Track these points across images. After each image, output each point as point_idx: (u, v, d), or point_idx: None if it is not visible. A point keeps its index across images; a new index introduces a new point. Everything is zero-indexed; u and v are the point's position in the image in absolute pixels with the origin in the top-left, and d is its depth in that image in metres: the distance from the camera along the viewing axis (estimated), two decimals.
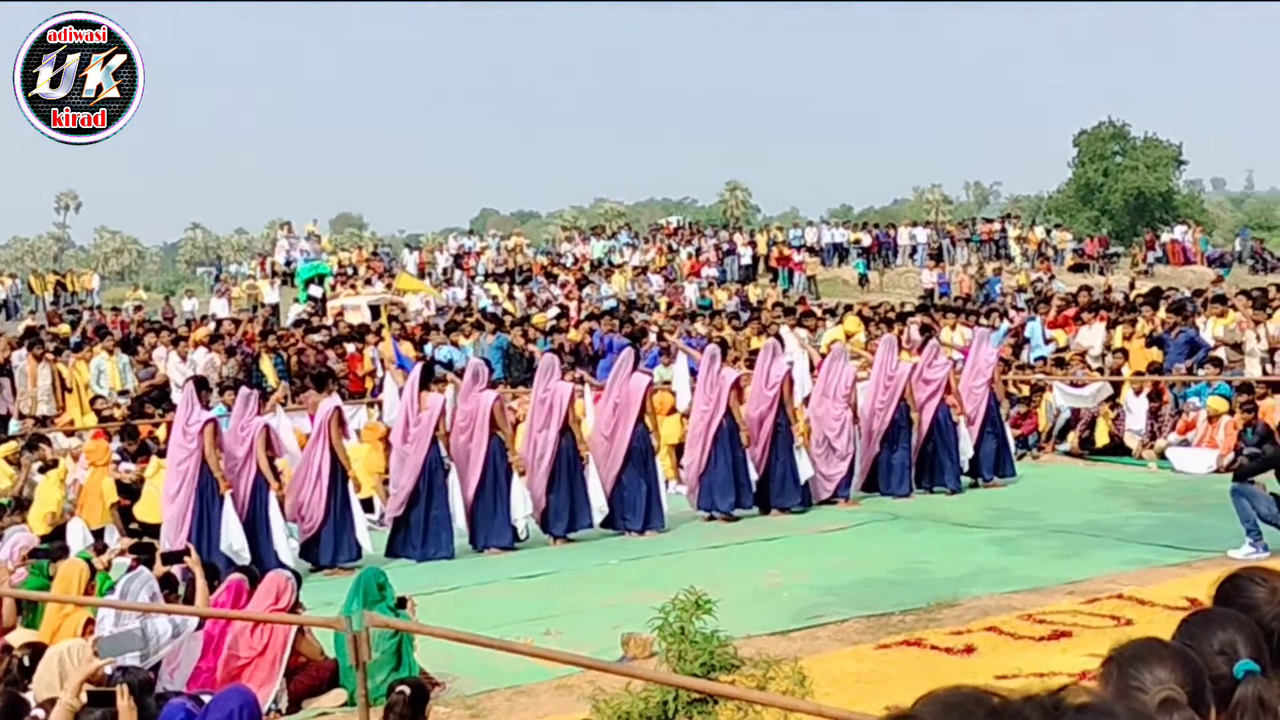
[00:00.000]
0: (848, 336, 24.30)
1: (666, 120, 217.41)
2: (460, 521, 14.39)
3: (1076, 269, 46.33)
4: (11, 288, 44.58)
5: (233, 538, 13.23)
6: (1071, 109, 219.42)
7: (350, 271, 42.80)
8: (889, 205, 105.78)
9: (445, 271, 45.13)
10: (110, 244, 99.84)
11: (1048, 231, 51.10)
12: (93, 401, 21.74)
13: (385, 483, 15.90)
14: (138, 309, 36.82)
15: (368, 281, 39.55)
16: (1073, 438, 19.55)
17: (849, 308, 28.34)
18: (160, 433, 17.86)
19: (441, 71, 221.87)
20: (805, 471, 15.90)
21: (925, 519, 15.32)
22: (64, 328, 30.19)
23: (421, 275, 43.44)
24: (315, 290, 37.03)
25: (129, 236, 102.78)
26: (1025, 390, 20.70)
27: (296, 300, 37.34)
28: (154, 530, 14.24)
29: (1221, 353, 20.22)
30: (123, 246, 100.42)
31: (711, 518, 15.67)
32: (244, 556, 12.87)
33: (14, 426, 20.47)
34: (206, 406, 14.08)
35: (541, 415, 14.94)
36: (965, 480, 17.09)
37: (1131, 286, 31.12)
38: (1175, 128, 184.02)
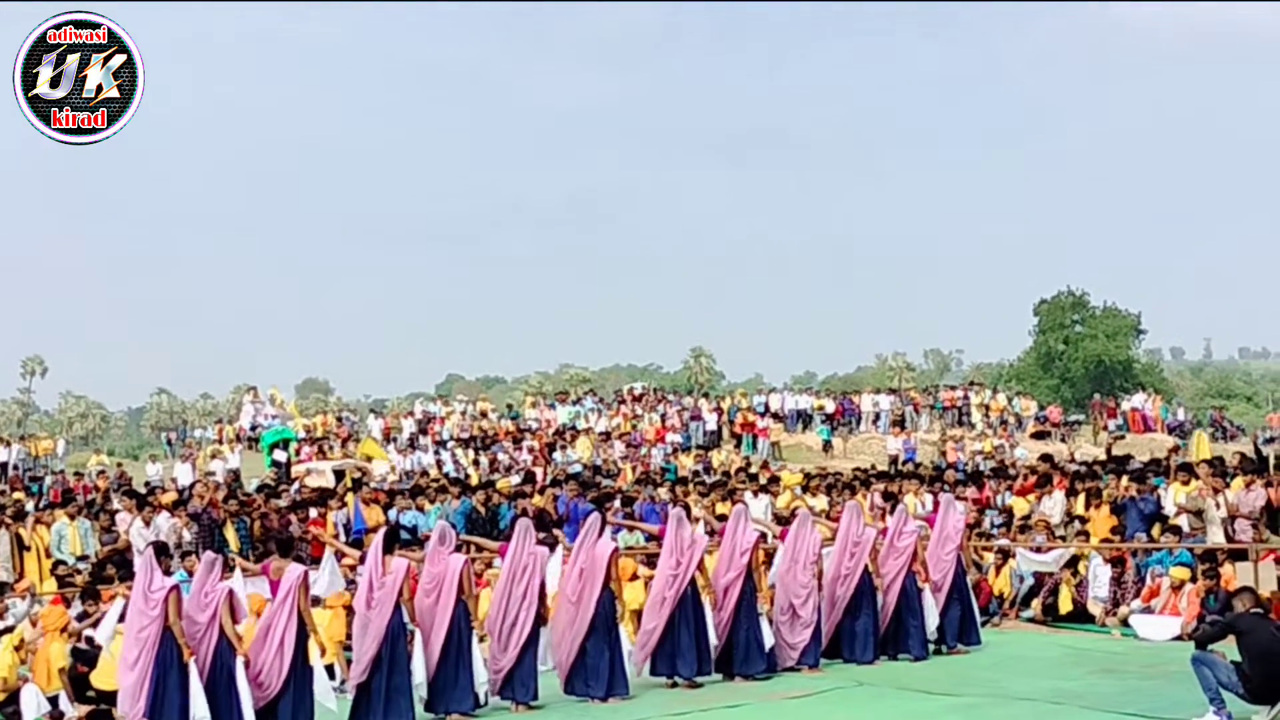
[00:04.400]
0: (791, 492, 24.53)
1: (632, 288, 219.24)
2: (423, 688, 14.24)
3: (1038, 436, 46.66)
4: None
5: (198, 707, 13.09)
6: (1031, 278, 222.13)
7: (316, 437, 42.75)
8: (852, 372, 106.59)
9: (411, 437, 45.13)
10: (75, 409, 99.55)
11: (1009, 399, 51.54)
12: (54, 567, 21.57)
13: (346, 649, 15.77)
14: (100, 474, 36.67)
15: (332, 448, 39.52)
16: (1036, 604, 19.57)
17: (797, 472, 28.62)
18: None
19: (407, 237, 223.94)
20: (769, 638, 15.86)
21: (889, 686, 15.24)
22: (19, 495, 29.98)
23: (387, 440, 43.44)
24: (280, 455, 37.00)
25: (94, 401, 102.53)
26: (988, 558, 20.76)
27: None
28: (111, 698, 14.06)
29: (1183, 520, 20.33)
30: (87, 411, 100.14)
31: (674, 684, 15.57)
32: None
33: None
34: (167, 572, 14.00)
35: (522, 581, 14.88)
36: (930, 647, 17.07)
37: (1108, 452, 31.30)
38: (1134, 297, 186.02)
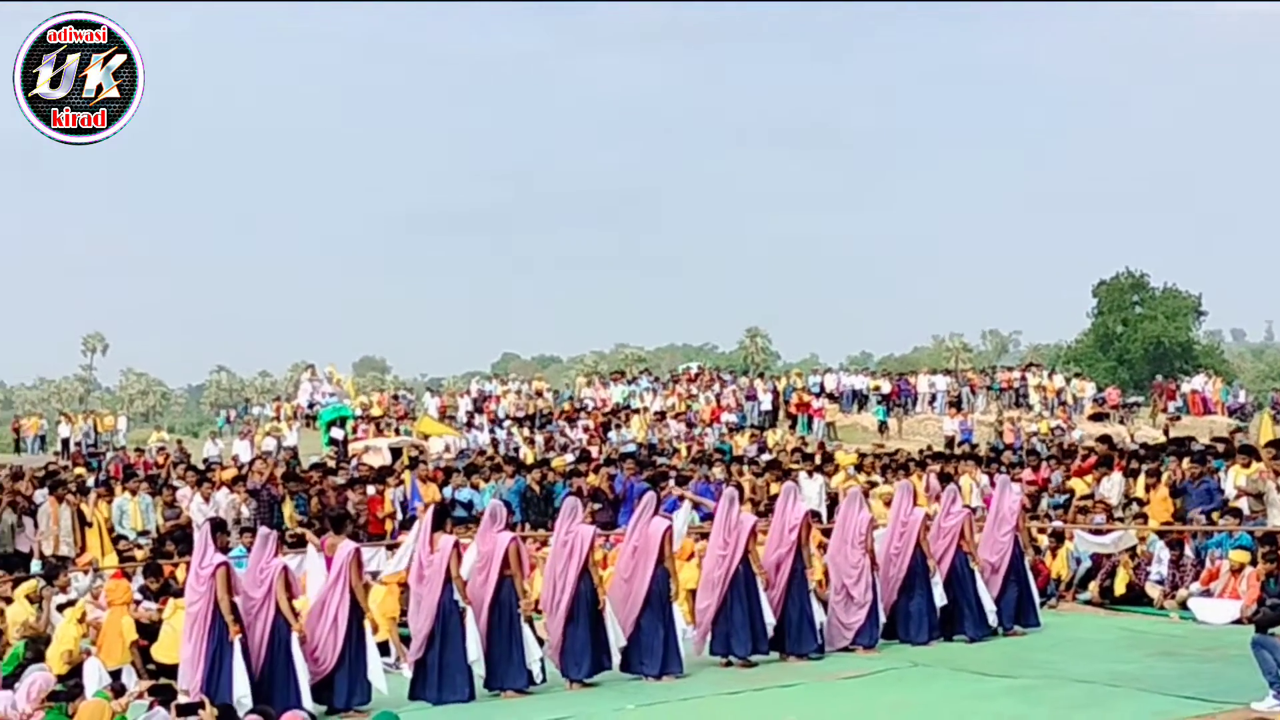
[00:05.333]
0: (844, 470, 24.44)
1: (687, 267, 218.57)
2: (479, 665, 14.30)
3: (1096, 418, 46.34)
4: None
5: (238, 686, 13.19)
6: (1090, 259, 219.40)
7: (373, 415, 43.02)
8: (908, 353, 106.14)
9: (467, 415, 45.34)
10: (136, 386, 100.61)
11: (1067, 380, 51.19)
12: (115, 542, 21.81)
13: (403, 626, 15.88)
14: (160, 450, 37.03)
15: (389, 425, 39.79)
16: (1093, 587, 19.45)
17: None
18: (181, 573, 17.88)
19: (462, 219, 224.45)
20: (820, 616, 15.84)
21: (944, 667, 15.20)
22: (81, 470, 30.27)
23: (443, 418, 43.66)
24: (337, 433, 37.24)
25: (154, 379, 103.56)
26: (1043, 540, 20.62)
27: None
28: (172, 671, 14.23)
29: (1243, 503, 20.14)
30: (148, 388, 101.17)
31: (729, 663, 15.59)
32: (245, 704, 12.80)
33: (35, 566, 20.53)
34: (224, 549, 14.11)
35: (563, 558, 14.94)
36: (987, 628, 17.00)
37: (1165, 434, 31.13)
38: (1194, 278, 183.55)
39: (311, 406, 45.92)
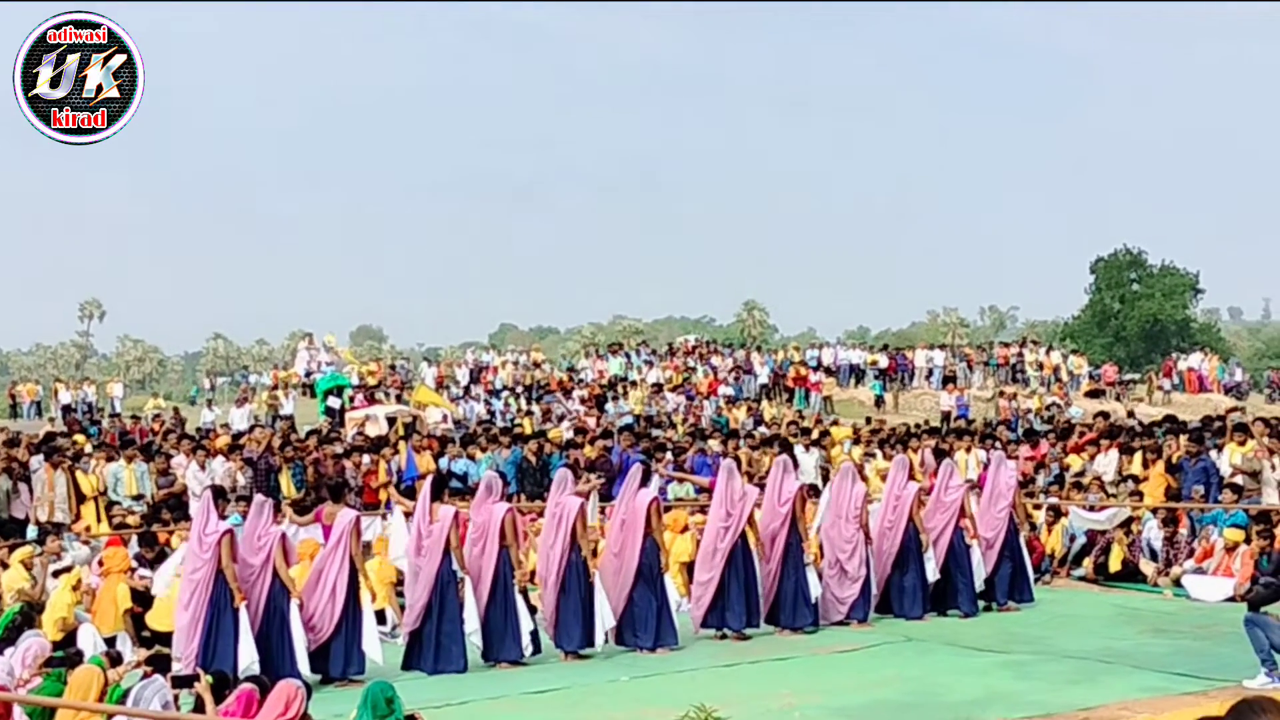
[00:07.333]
0: (840, 444, 24.45)
1: (685, 240, 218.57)
2: (476, 636, 14.33)
3: (1092, 394, 46.32)
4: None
5: (245, 654, 13.23)
6: (1088, 236, 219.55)
7: (370, 384, 42.93)
8: (905, 328, 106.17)
9: (464, 386, 45.26)
10: (132, 353, 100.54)
11: (1064, 357, 51.17)
12: (109, 508, 21.78)
13: (399, 594, 15.90)
14: (156, 418, 36.95)
15: (386, 394, 39.73)
16: (1087, 563, 19.48)
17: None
18: (176, 540, 17.89)
19: (461, 187, 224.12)
20: (815, 590, 15.86)
21: (938, 641, 15.26)
22: (80, 438, 30.22)
23: (440, 388, 43.57)
24: (334, 402, 37.18)
25: (150, 345, 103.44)
26: (1038, 516, 20.63)
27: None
28: (166, 638, 14.24)
29: (1239, 481, 20.15)
30: (144, 355, 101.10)
31: (723, 636, 15.62)
32: (254, 670, 12.87)
33: (31, 532, 20.53)
34: (223, 516, 14.14)
35: (552, 529, 14.95)
36: (980, 603, 17.05)
37: (1130, 414, 31.32)
38: (1192, 256, 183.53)
39: (309, 375, 45.83)
